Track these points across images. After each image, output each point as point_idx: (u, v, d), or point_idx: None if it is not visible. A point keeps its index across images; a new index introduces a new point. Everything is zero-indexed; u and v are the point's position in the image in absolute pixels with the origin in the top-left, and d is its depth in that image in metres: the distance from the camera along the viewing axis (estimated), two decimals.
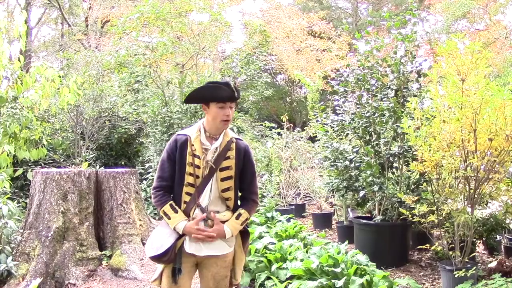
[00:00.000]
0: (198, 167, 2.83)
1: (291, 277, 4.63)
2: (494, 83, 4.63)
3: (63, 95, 6.64)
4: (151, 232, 2.93)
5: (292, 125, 12.22)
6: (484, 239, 5.91)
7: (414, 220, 5.00)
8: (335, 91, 6.98)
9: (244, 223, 2.93)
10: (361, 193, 6.27)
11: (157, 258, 2.79)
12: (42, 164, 8.11)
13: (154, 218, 6.66)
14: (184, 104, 8.93)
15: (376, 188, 5.92)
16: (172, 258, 2.79)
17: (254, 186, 3.02)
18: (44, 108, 6.81)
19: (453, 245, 4.96)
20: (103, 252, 5.61)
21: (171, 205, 2.82)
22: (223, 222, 2.86)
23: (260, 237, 5.66)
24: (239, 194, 3.00)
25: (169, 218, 2.81)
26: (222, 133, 2.92)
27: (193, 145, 2.85)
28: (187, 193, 2.84)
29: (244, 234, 3.03)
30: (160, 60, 10.29)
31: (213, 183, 2.87)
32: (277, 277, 4.69)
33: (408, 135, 5.17)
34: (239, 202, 2.99)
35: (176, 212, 2.81)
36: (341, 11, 30.39)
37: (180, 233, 2.79)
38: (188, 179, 2.83)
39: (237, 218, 2.89)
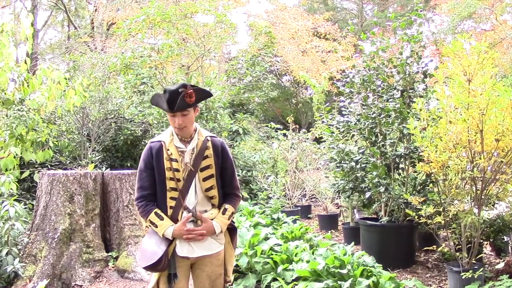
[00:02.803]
0: (178, 170, 2.82)
1: (297, 279, 4.63)
2: (500, 84, 4.61)
3: (69, 97, 6.67)
4: (141, 242, 2.92)
5: (297, 126, 12.21)
6: (491, 240, 5.88)
7: (420, 221, 4.98)
8: (341, 92, 6.97)
9: (230, 217, 2.96)
10: (367, 194, 6.25)
11: (151, 268, 2.76)
12: (49, 166, 8.14)
13: None
14: None
15: (382, 189, 5.90)
16: (166, 265, 2.77)
17: (235, 180, 3.05)
18: (50, 110, 6.84)
19: (460, 246, 4.93)
20: (109, 254, 5.63)
21: (156, 213, 2.81)
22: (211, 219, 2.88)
23: (266, 238, 5.66)
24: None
25: (156, 227, 2.79)
26: (194, 133, 2.91)
27: (168, 149, 2.84)
28: (172, 198, 2.83)
29: (231, 231, 3.06)
30: (165, 61, 10.31)
31: (196, 184, 2.87)
32: (283, 279, 4.68)
33: (414, 136, 5.15)
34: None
35: (162, 219, 2.80)
36: (346, 12, 30.38)
37: (170, 238, 2.78)
38: (170, 184, 2.82)
39: (223, 213, 2.92)
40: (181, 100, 2.73)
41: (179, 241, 2.81)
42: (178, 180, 2.82)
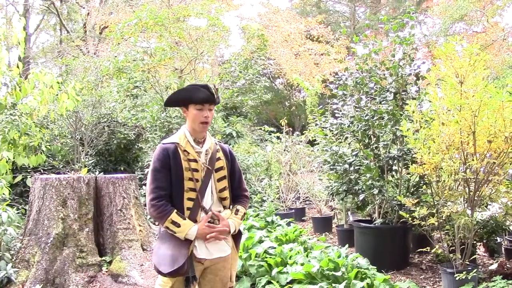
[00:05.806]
0: (196, 170, 2.83)
1: (292, 282, 4.62)
2: (492, 85, 4.63)
3: (61, 101, 6.64)
4: (155, 248, 2.87)
5: (291, 129, 12.22)
6: (484, 241, 5.90)
7: (414, 223, 5.00)
8: (334, 95, 6.99)
9: (242, 218, 2.99)
10: (361, 196, 6.26)
11: (175, 273, 2.69)
12: (41, 171, 8.10)
13: (154, 224, 6.64)
14: None
15: (375, 191, 5.91)
16: (187, 268, 2.73)
17: (243, 183, 3.11)
18: (43, 114, 6.81)
19: (454, 247, 4.95)
20: (103, 258, 5.60)
21: (177, 213, 2.75)
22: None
23: (260, 241, 5.65)
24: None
25: (178, 226, 2.73)
26: (206, 136, 2.97)
27: (185, 150, 2.85)
28: (189, 199, 2.81)
29: (236, 235, 3.06)
30: (158, 65, 10.31)
31: (212, 184, 2.90)
32: (277, 282, 4.67)
33: (407, 138, 5.18)
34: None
35: (184, 219, 2.75)
36: (339, 15, 30.51)
37: (193, 238, 2.75)
38: (188, 184, 2.81)
39: (235, 213, 2.95)
40: (217, 94, 2.86)
41: (197, 243, 2.80)
42: (197, 180, 2.83)
